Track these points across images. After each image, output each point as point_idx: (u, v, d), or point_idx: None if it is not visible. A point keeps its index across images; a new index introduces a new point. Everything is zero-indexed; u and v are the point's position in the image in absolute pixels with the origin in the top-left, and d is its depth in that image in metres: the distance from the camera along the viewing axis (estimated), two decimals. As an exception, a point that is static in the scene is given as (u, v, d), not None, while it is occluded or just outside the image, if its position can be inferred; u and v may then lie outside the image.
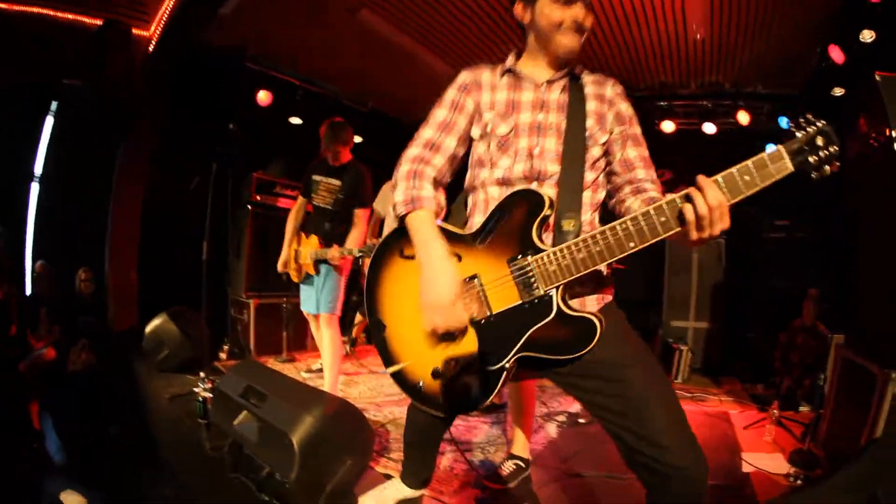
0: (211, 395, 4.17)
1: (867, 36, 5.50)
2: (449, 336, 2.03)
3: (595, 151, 2.15)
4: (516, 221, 1.96)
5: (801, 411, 5.33)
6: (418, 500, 3.29)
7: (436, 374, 2.10)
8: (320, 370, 5.33)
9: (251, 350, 7.27)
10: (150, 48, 6.68)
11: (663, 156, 4.71)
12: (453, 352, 2.06)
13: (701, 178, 1.67)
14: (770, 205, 6.45)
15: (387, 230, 6.28)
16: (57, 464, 3.77)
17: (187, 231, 7.36)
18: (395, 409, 5.15)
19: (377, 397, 5.70)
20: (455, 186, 2.40)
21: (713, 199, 1.63)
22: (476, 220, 2.21)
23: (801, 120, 1.65)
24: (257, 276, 7.56)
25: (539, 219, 1.92)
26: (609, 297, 2.16)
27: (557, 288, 1.88)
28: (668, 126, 8.29)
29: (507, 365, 1.96)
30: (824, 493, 2.67)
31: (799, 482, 3.66)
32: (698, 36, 6.47)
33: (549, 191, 2.07)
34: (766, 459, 4.07)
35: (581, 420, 4.97)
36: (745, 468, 3.94)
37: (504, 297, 1.96)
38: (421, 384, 2.17)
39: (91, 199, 7.40)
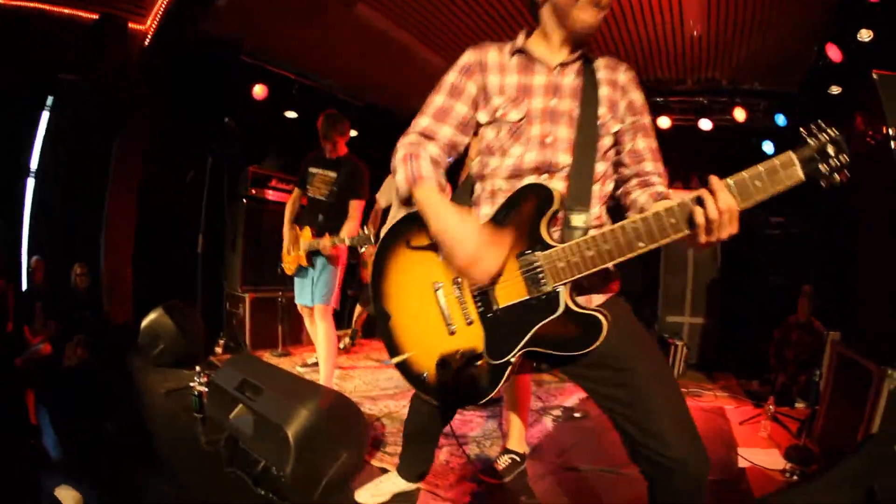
0: (207, 390, 4.17)
1: (865, 35, 5.51)
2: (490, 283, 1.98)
3: (606, 141, 2.10)
4: (525, 216, 1.93)
5: (796, 407, 5.34)
6: (414, 493, 3.29)
7: (441, 365, 2.08)
8: (315, 364, 5.33)
9: (247, 344, 7.26)
10: (146, 42, 6.66)
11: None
12: (459, 344, 2.04)
13: (713, 181, 1.64)
14: (766, 201, 6.49)
15: (390, 221, 6.28)
16: (54, 460, 3.76)
17: (183, 225, 7.35)
18: (391, 403, 5.16)
19: (372, 391, 5.70)
20: (454, 175, 2.36)
21: (724, 203, 1.62)
22: (483, 211, 2.16)
23: (813, 127, 1.63)
24: (252, 269, 7.56)
25: (548, 214, 1.89)
26: (615, 290, 2.14)
27: (565, 285, 1.86)
28: (663, 122, 8.24)
29: (513, 359, 1.95)
30: (821, 488, 2.67)
31: (795, 478, 3.66)
32: (695, 32, 6.47)
33: (558, 184, 2.04)
34: (761, 455, 4.07)
35: (576, 414, 4.98)
36: (741, 463, 3.95)
37: (511, 291, 1.94)
38: (425, 375, 2.15)
39: (87, 193, 7.37)
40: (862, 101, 3.80)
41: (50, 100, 7.24)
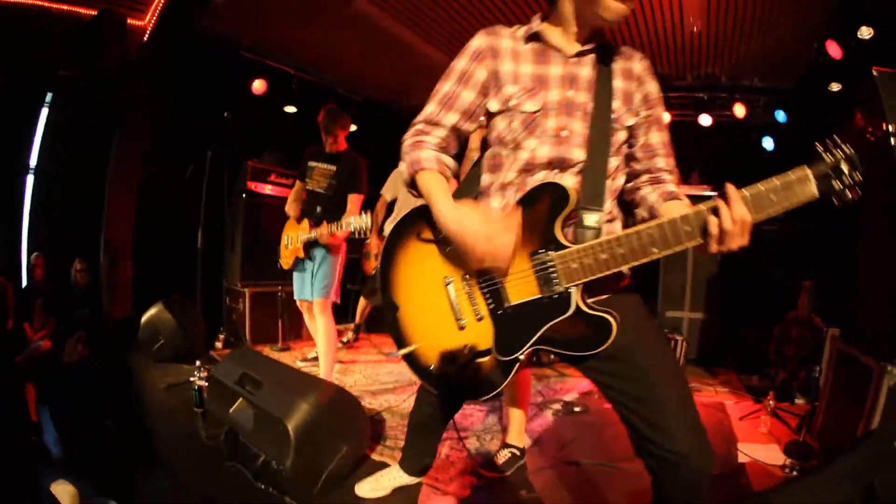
0: (207, 384, 4.17)
1: (865, 33, 5.50)
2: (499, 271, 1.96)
3: (621, 135, 2.07)
4: (540, 215, 1.90)
5: (796, 403, 5.34)
6: (415, 487, 3.30)
7: (448, 359, 2.07)
8: (315, 359, 5.33)
9: (247, 339, 7.27)
10: (145, 38, 6.66)
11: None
12: (467, 339, 2.03)
13: (730, 190, 1.65)
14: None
15: (395, 215, 6.27)
16: (55, 457, 3.76)
17: (182, 220, 7.34)
18: (391, 398, 5.16)
19: (373, 385, 5.71)
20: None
21: (738, 214, 1.62)
22: (493, 204, 2.12)
23: (829, 142, 1.63)
24: (252, 264, 7.56)
25: (563, 214, 1.87)
26: (625, 283, 2.11)
27: (577, 286, 1.85)
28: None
29: (521, 357, 1.94)
30: (821, 483, 2.67)
31: (794, 473, 3.67)
32: (695, 28, 6.46)
33: (569, 179, 2.01)
34: (761, 450, 4.07)
35: (576, 409, 4.98)
36: (741, 458, 3.95)
37: (523, 289, 1.93)
38: (432, 368, 2.13)
39: (86, 190, 7.38)
40: (862, 98, 3.80)
41: (49, 96, 7.23)
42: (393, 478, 3.26)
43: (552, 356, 2.22)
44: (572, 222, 1.94)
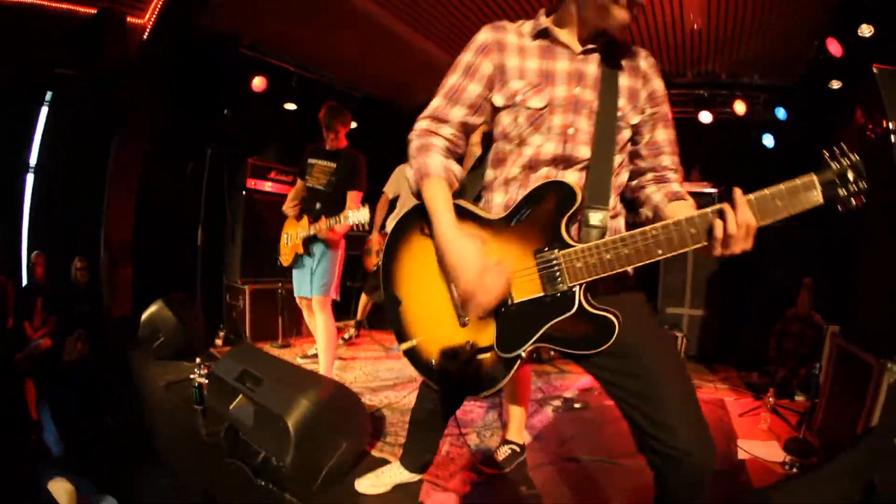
0: (207, 381, 4.17)
1: (865, 30, 5.50)
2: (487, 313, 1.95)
3: (626, 133, 2.06)
4: (545, 213, 1.90)
5: (796, 400, 5.35)
6: (415, 484, 3.30)
7: (449, 354, 2.07)
8: (315, 356, 5.33)
9: (247, 336, 7.26)
10: (145, 36, 6.65)
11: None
12: (469, 335, 2.02)
13: (737, 194, 1.64)
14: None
15: (398, 211, 6.28)
16: (55, 455, 3.76)
17: (182, 218, 7.34)
18: (391, 394, 5.17)
19: (373, 382, 5.71)
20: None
21: (743, 219, 1.62)
22: (496, 200, 2.12)
23: (836, 150, 1.64)
24: (252, 261, 7.55)
25: (569, 213, 1.86)
26: (630, 280, 2.12)
27: (581, 285, 1.85)
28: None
29: (523, 354, 1.93)
30: (821, 480, 2.68)
31: (794, 470, 3.67)
32: (695, 26, 6.46)
33: (573, 176, 2.01)
34: (761, 447, 4.08)
35: (576, 405, 4.99)
36: (741, 455, 3.96)
37: (527, 287, 1.92)
38: (433, 363, 2.13)
39: (86, 188, 7.38)
40: (862, 96, 3.81)
41: (49, 95, 7.23)
42: (393, 474, 3.26)
43: (552, 352, 2.24)
44: (577, 221, 1.94)
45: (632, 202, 2.18)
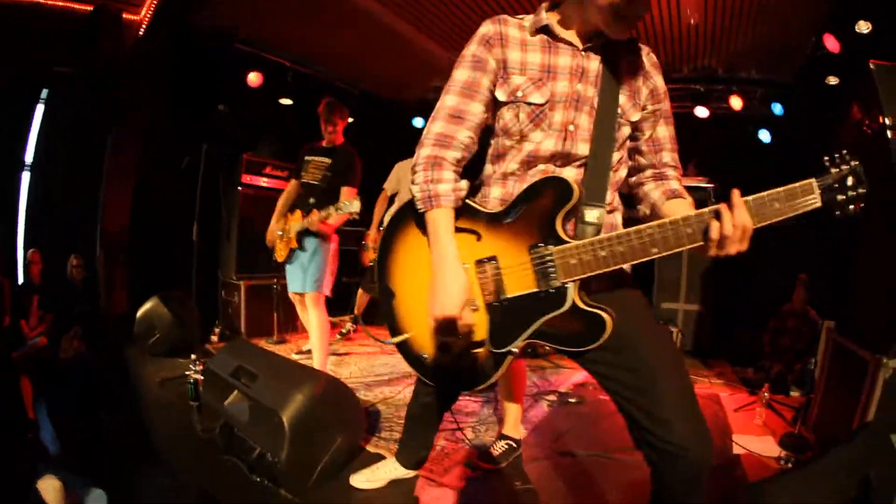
0: (202, 377, 4.16)
1: (863, 27, 5.49)
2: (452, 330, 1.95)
3: (625, 130, 2.05)
4: (542, 208, 1.90)
5: (791, 395, 5.35)
6: (410, 479, 3.30)
7: (441, 348, 2.08)
8: (310, 352, 5.33)
9: (242, 332, 7.25)
10: (141, 32, 6.63)
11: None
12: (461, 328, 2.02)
13: (735, 196, 1.65)
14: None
15: (396, 207, 6.27)
16: (52, 453, 3.75)
17: (178, 214, 7.32)
18: (386, 390, 5.17)
19: (368, 377, 5.71)
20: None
21: (740, 220, 1.63)
22: (493, 194, 2.12)
23: (837, 156, 1.64)
24: (247, 257, 7.54)
25: (565, 209, 1.87)
26: (627, 274, 2.12)
27: (575, 281, 1.86)
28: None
29: (515, 349, 1.94)
30: (816, 474, 2.68)
31: (789, 465, 3.67)
32: (692, 20, 6.44)
33: (571, 172, 2.01)
34: (756, 442, 4.08)
35: (572, 399, 4.99)
36: (736, 450, 3.96)
37: (520, 282, 1.93)
38: (425, 356, 2.15)
39: (82, 185, 7.35)
40: (859, 92, 3.81)
41: (45, 93, 7.20)
42: (389, 470, 3.26)
43: (547, 347, 2.24)
44: (574, 217, 1.93)
45: (630, 199, 2.18)
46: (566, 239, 1.86)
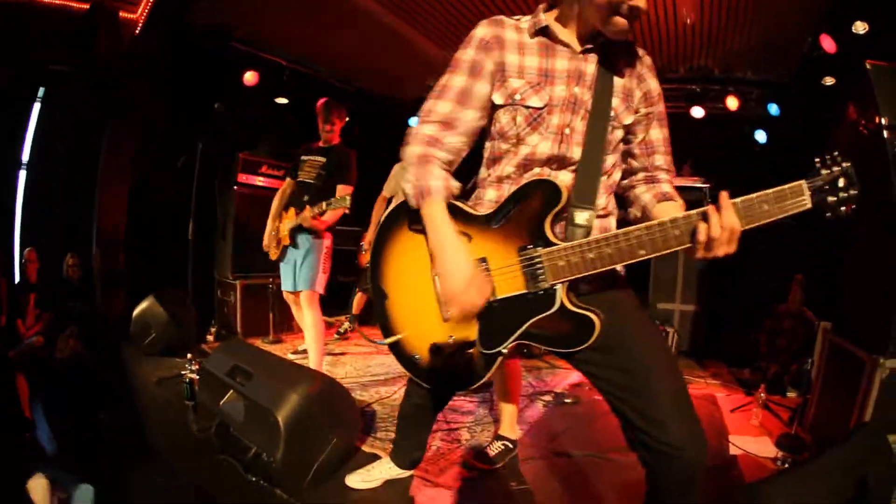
0: (198, 377, 4.16)
1: (860, 27, 5.50)
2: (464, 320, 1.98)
3: (618, 134, 2.04)
4: (531, 211, 1.91)
5: (788, 396, 5.35)
6: (406, 479, 3.30)
7: (432, 349, 2.09)
8: (306, 351, 5.32)
9: (238, 332, 7.24)
10: (137, 31, 6.62)
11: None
12: (452, 330, 2.04)
13: (723, 198, 1.65)
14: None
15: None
16: (49, 453, 3.74)
17: (174, 213, 7.31)
18: (382, 390, 5.16)
19: (363, 377, 5.71)
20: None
21: (728, 222, 1.63)
22: (488, 196, 2.12)
23: (828, 157, 1.65)
24: (243, 256, 7.50)
25: (554, 212, 1.87)
26: (620, 275, 2.12)
27: (563, 283, 1.86)
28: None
29: (504, 350, 1.96)
30: (813, 474, 2.68)
31: (786, 466, 3.67)
32: (688, 21, 6.44)
33: (567, 176, 2.01)
34: (752, 443, 4.08)
35: (567, 400, 4.99)
36: (732, 451, 3.96)
37: (510, 284, 1.93)
38: (417, 357, 2.16)
39: (79, 184, 7.34)
40: (855, 92, 3.81)
41: (41, 91, 7.19)
42: (384, 470, 3.26)
43: (543, 348, 2.25)
44: (563, 219, 1.94)
45: (622, 201, 2.19)
46: (555, 241, 1.87)
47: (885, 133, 3.36)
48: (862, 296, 3.85)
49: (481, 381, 2.03)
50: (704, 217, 1.66)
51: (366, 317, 7.95)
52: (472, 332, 2.00)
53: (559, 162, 2.00)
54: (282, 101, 8.54)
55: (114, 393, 4.97)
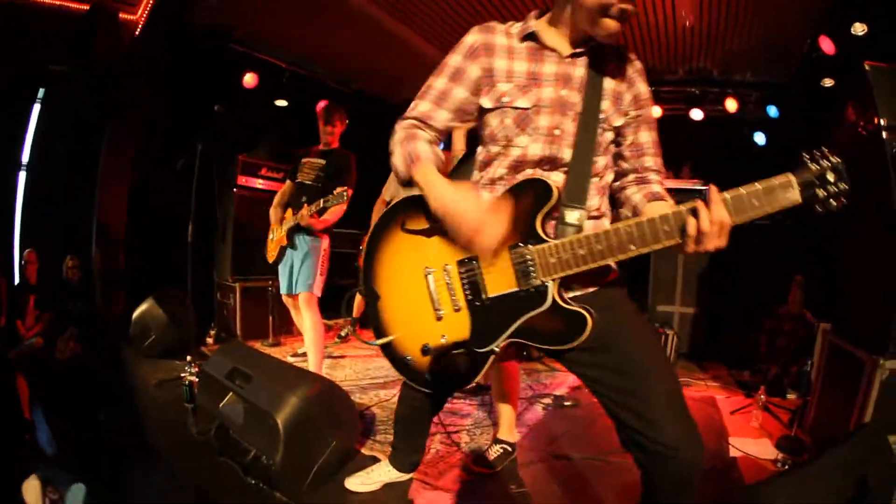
0: (197, 379, 4.15)
1: (859, 28, 5.50)
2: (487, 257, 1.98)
3: (608, 136, 2.06)
4: (522, 209, 1.91)
5: (787, 398, 5.35)
6: (405, 482, 3.29)
7: (425, 350, 2.10)
8: (305, 354, 5.32)
9: (237, 334, 7.23)
10: (137, 32, 6.62)
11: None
12: (445, 329, 2.05)
13: (712, 193, 1.66)
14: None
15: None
16: (48, 454, 3.74)
17: (174, 215, 7.31)
18: (381, 393, 5.16)
19: (363, 380, 5.70)
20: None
21: (717, 216, 1.64)
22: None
23: (816, 152, 1.66)
24: (243, 259, 7.51)
25: (545, 210, 1.89)
26: (612, 277, 2.12)
27: (555, 280, 1.87)
28: (654, 111, 8.08)
29: (496, 349, 1.96)
30: (813, 475, 2.67)
31: (786, 468, 3.67)
32: (687, 22, 6.45)
33: (559, 177, 2.02)
34: (752, 445, 4.08)
35: (566, 403, 4.99)
36: (732, 453, 3.96)
37: (501, 282, 1.95)
38: (409, 358, 2.16)
39: (78, 185, 7.33)
40: (854, 93, 3.82)
41: (41, 92, 7.19)
42: (383, 473, 3.26)
43: (541, 350, 2.26)
44: (554, 218, 1.96)
45: (614, 202, 2.20)
46: (545, 238, 1.89)
47: (884, 134, 3.37)
48: (862, 296, 3.85)
49: (475, 381, 2.04)
50: (693, 212, 1.67)
51: (366, 320, 7.95)
52: (464, 330, 2.02)
53: (551, 163, 2.02)
54: (281, 103, 8.54)
55: (114, 394, 4.97)
